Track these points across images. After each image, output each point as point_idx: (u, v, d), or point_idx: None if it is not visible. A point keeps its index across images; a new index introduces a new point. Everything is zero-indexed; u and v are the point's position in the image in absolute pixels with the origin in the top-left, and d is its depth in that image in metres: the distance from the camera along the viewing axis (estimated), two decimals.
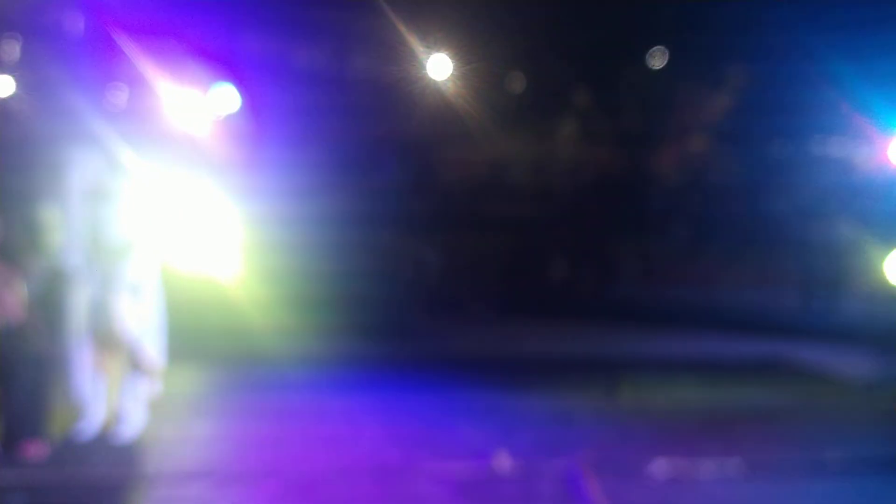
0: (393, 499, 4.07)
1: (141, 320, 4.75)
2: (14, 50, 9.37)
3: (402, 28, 17.63)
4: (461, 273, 12.65)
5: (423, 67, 19.62)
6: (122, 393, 4.88)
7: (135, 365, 4.80)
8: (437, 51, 18.38)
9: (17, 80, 9.29)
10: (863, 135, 13.21)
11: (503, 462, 4.68)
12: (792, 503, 4.20)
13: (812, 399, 6.65)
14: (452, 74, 18.41)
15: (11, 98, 9.26)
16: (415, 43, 17.96)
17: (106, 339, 4.77)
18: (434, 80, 19.61)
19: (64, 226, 4.72)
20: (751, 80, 16.49)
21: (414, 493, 4.16)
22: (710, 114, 18.75)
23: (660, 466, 4.66)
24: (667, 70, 17.01)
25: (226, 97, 7.77)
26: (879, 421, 6.00)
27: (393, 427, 5.32)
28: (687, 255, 14.34)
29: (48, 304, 4.66)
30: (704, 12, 14.74)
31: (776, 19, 13.34)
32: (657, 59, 16.62)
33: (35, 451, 4.44)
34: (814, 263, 12.23)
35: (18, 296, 4.54)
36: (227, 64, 17.76)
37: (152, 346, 4.82)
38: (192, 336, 8.12)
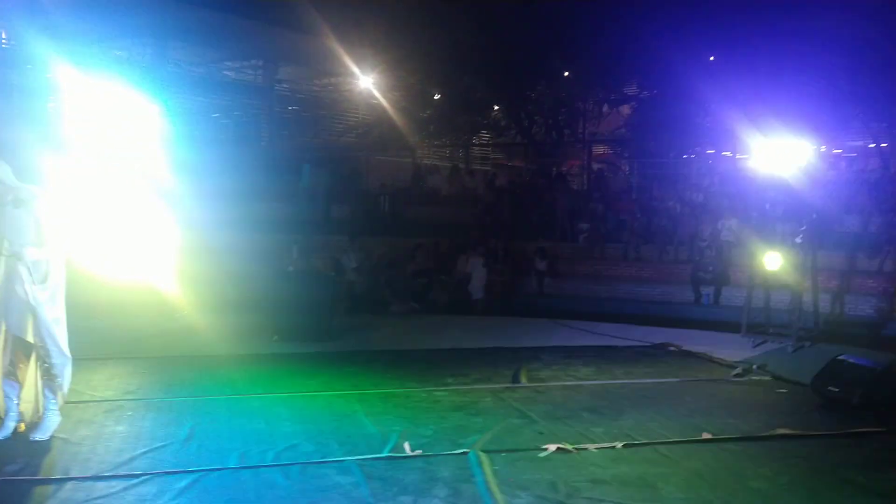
0: (302, 492, 4.05)
1: (52, 323, 4.57)
2: None
3: (331, 43, 17.58)
4: (380, 274, 12.66)
5: (351, 80, 19.58)
6: (36, 395, 4.71)
7: (46, 368, 4.63)
8: (364, 65, 18.39)
9: None
10: (740, 145, 13.88)
11: (406, 451, 4.71)
12: (670, 471, 4.35)
13: (690, 379, 6.93)
14: (377, 87, 18.46)
15: None
16: (343, 57, 17.92)
17: (18, 342, 4.59)
18: (360, 93, 19.62)
19: None
20: (646, 98, 17.12)
21: (322, 485, 4.14)
22: (606, 127, 19.39)
23: (549, 445, 4.77)
24: (571, 88, 17.50)
25: (145, 104, 7.56)
26: (747, 398, 6.31)
27: (306, 423, 5.28)
28: (589, 254, 14.72)
29: None
30: (600, 39, 15.26)
31: (656, 46, 13.92)
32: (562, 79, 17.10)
33: None
34: (703, 260, 12.75)
35: None
36: (148, 70, 17.27)
37: (62, 349, 4.65)
38: (109, 337, 8.02)
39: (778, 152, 8.54)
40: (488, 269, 13.37)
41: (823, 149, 16.11)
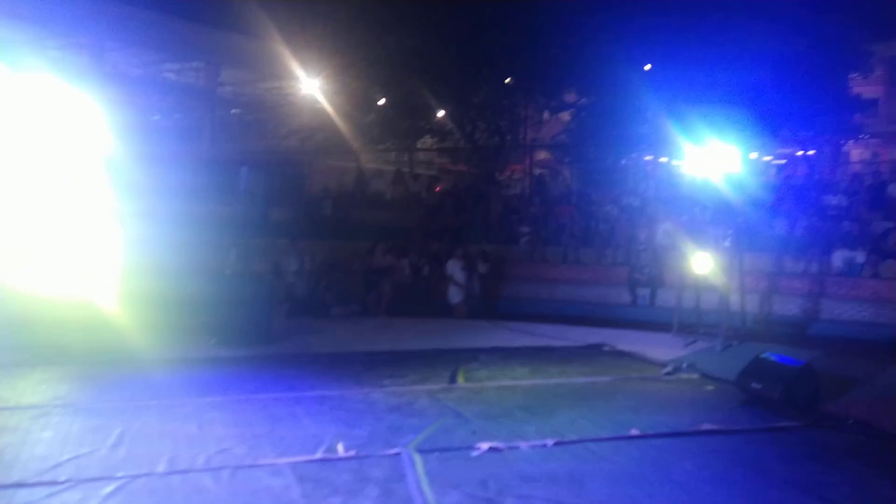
0: (232, 495, 3.98)
1: None
2: None
3: (275, 47, 17.39)
4: (320, 276, 12.56)
5: (295, 84, 19.39)
6: None
7: None
8: (308, 69, 18.24)
9: None
10: (675, 152, 14.23)
11: (338, 452, 4.68)
12: (598, 467, 4.43)
13: (622, 378, 7.06)
14: (321, 91, 18.32)
15: None
16: (287, 61, 17.76)
17: None
18: (304, 97, 19.44)
19: None
20: (585, 104, 17.42)
21: (253, 488, 4.08)
22: (546, 133, 19.66)
23: (481, 444, 4.80)
24: (512, 94, 17.68)
25: (80, 105, 7.39)
26: (676, 395, 6.46)
27: (239, 426, 5.19)
28: (529, 257, 14.87)
29: None
30: (540, 46, 15.48)
31: (596, 54, 14.22)
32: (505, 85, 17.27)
33: None
34: (639, 263, 13.02)
35: None
36: (84, 71, 16.80)
37: None
38: (37, 341, 7.74)
39: (708, 158, 8.79)
40: (468, 273, 13.33)
41: (754, 155, 16.65)
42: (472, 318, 11.71)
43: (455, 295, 12.95)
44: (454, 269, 13.19)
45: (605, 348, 8.63)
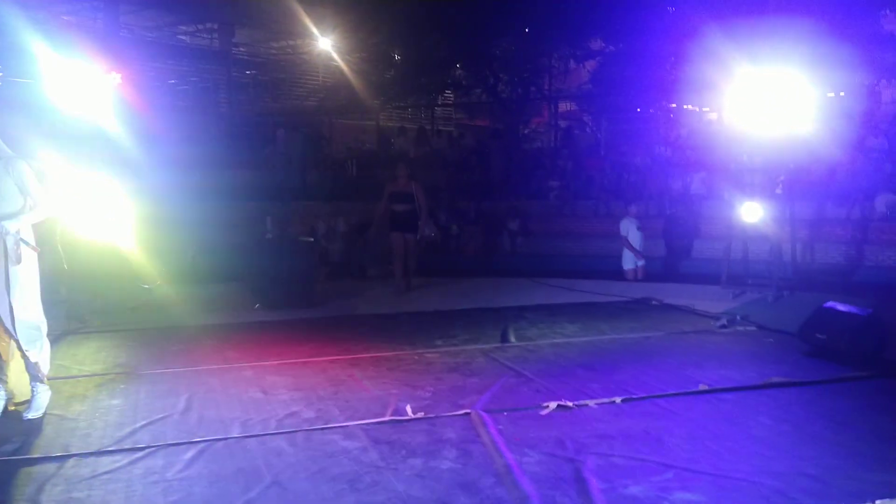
0: (311, 458, 4.00)
1: (19, 300, 4.37)
2: None
3: (288, 4, 17.11)
4: (354, 238, 12.54)
5: (310, 43, 19.12)
6: (20, 373, 4.54)
7: (16, 344, 4.45)
8: (322, 26, 17.96)
9: None
10: (705, 99, 13.95)
11: (408, 413, 4.68)
12: (672, 424, 4.40)
13: (676, 332, 7.02)
14: (336, 49, 18.05)
15: None
16: (300, 18, 17.48)
17: None
18: (319, 55, 19.20)
19: None
20: (610, 53, 17.06)
21: (330, 450, 4.10)
22: (571, 83, 19.34)
23: (549, 403, 4.78)
24: (535, 44, 17.35)
25: (98, 72, 7.30)
26: (735, 348, 6.41)
27: (303, 389, 5.21)
28: (559, 211, 14.78)
29: None
30: None
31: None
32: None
33: None
34: (679, 215, 12.86)
35: None
36: (100, 36, 16.66)
37: (32, 322, 4.46)
38: (87, 310, 7.80)
39: (740, 102, 8.52)
40: (461, 230, 13.29)
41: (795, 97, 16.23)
42: (507, 276, 11.66)
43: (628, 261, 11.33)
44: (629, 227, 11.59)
45: (653, 302, 8.57)
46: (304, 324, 7.65)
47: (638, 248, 10.64)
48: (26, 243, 4.39)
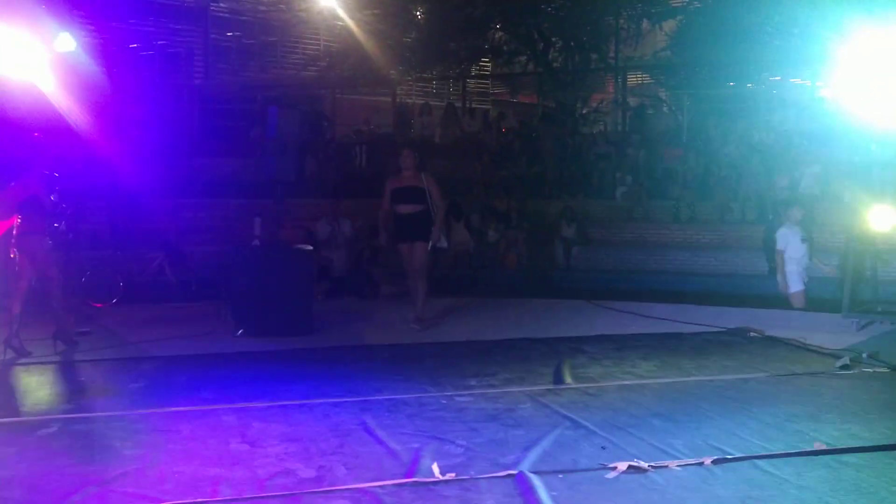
0: None
1: None
2: None
3: None
4: (362, 246, 12.60)
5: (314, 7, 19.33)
6: None
7: None
8: None
9: None
10: (821, 70, 13.82)
11: (434, 474, 4.66)
12: (780, 494, 4.33)
13: (783, 374, 6.91)
14: (343, 5, 18.22)
15: None
16: None
17: None
18: (321, 13, 19.36)
19: None
20: (697, 9, 16.98)
21: None
22: (645, 50, 19.28)
23: (617, 464, 4.73)
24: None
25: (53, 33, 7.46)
26: (862, 396, 6.30)
27: (300, 440, 5.22)
28: (629, 214, 14.71)
29: None
30: None
31: None
32: None
33: None
34: (776, 218, 12.75)
35: None
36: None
37: None
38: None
39: (871, 78, 8.41)
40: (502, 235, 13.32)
41: None
42: (561, 297, 11.63)
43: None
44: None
45: (752, 334, 8.50)
46: (300, 355, 7.67)
47: (802, 265, 10.30)
48: None
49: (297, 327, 8.52)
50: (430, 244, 8.97)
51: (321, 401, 6.08)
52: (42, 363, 7.27)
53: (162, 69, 21.46)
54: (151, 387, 6.49)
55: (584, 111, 18.64)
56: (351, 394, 6.29)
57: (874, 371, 6.96)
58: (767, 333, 8.47)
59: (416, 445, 5.11)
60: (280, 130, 9.41)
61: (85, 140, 9.27)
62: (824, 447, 5.05)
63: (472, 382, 6.68)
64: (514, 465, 4.77)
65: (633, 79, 20.51)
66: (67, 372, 7.00)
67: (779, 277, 10.25)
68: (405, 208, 8.97)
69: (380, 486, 4.47)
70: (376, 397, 6.20)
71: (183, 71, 21.80)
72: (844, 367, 7.02)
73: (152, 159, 12.27)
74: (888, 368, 6.99)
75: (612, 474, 4.67)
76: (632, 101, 18.81)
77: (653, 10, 17.45)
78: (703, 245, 13.49)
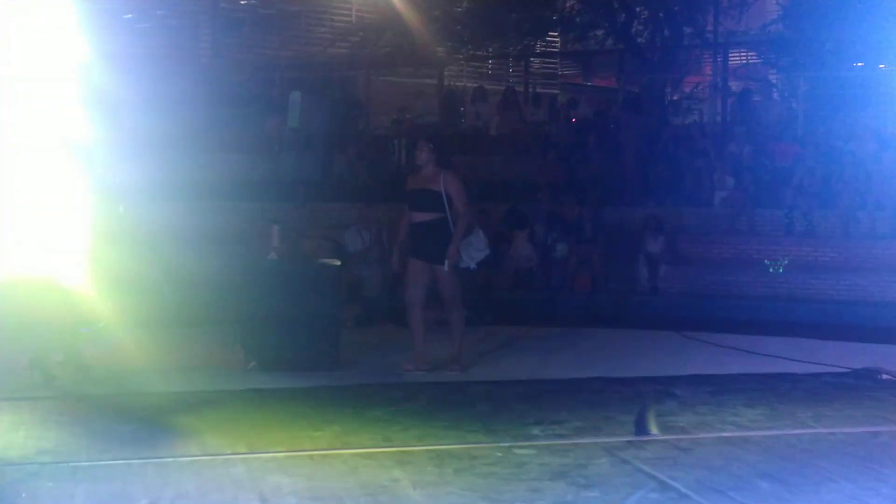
0: None
1: None
2: None
3: None
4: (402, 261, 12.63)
5: None
6: None
7: None
8: None
9: None
10: None
11: None
12: None
13: None
14: None
15: None
16: None
17: None
18: None
19: None
20: None
21: None
22: (754, 20, 19.14)
23: None
24: None
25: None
26: None
27: (324, 500, 5.25)
28: (731, 226, 14.58)
29: None
30: None
31: None
32: None
33: None
34: None
35: None
36: None
37: None
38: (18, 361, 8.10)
39: None
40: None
41: None
42: (645, 327, 11.57)
43: None
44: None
45: (883, 377, 8.42)
46: (324, 394, 7.73)
47: None
48: None
49: (321, 360, 8.56)
50: (447, 264, 8.55)
51: (349, 451, 6.10)
52: (9, 399, 7.38)
53: (161, 45, 21.77)
54: (144, 430, 6.54)
55: (674, 97, 18.57)
56: (385, 443, 6.32)
57: None
58: None
59: None
60: (304, 120, 9.41)
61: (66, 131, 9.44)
62: None
63: (535, 431, 6.68)
64: None
65: (737, 58, 20.36)
66: (44, 410, 7.09)
67: None
68: (417, 216, 8.70)
69: None
70: (416, 447, 6.22)
71: (186, 47, 22.08)
72: None
73: (147, 154, 12.41)
74: None
75: None
76: (734, 86, 18.70)
77: None
78: (823, 265, 13.31)
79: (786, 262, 9.99)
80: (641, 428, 6.81)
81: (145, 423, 6.72)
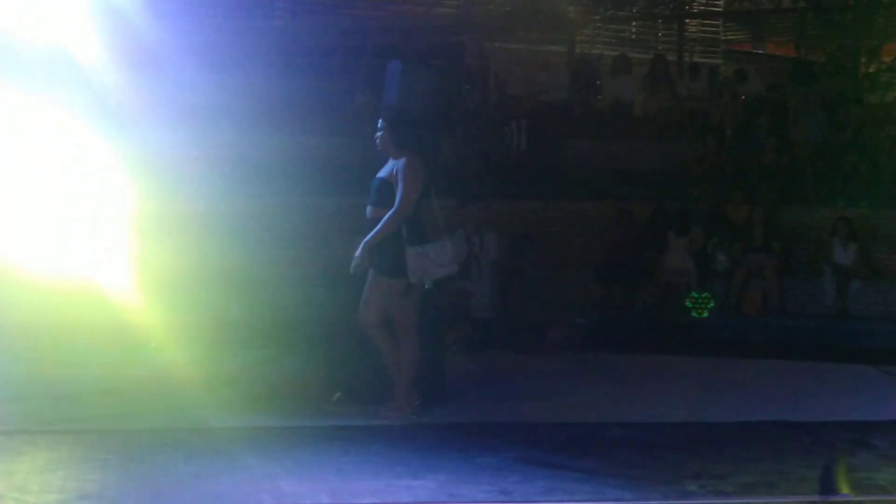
0: None
1: None
2: None
3: None
4: (520, 273, 12.66)
5: None
6: None
7: None
8: None
9: None
10: None
11: None
12: None
13: None
14: None
15: None
16: None
17: None
18: None
19: None
20: None
21: None
22: None
23: None
24: None
25: None
26: None
27: None
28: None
29: None
30: None
31: None
32: None
33: None
34: None
35: None
36: None
37: None
38: (32, 390, 8.35)
39: None
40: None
41: None
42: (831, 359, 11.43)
43: None
44: None
45: None
46: (425, 434, 7.83)
47: None
48: None
49: (422, 392, 8.56)
50: (352, 269, 8.28)
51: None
52: (47, 431, 7.62)
53: (227, 6, 22.13)
54: (206, 473, 6.67)
55: (870, 69, 18.22)
56: (503, 496, 6.35)
57: None
58: None
59: None
60: (402, 96, 9.42)
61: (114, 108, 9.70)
62: None
63: (691, 487, 6.66)
64: None
65: None
66: (86, 446, 7.27)
67: None
68: (368, 212, 8.55)
69: None
70: (541, 502, 6.25)
71: (258, 8, 22.41)
72: None
73: (208, 136, 12.62)
74: None
75: None
76: None
77: None
78: None
79: None
80: (828, 486, 6.71)
81: (207, 465, 6.84)
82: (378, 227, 8.19)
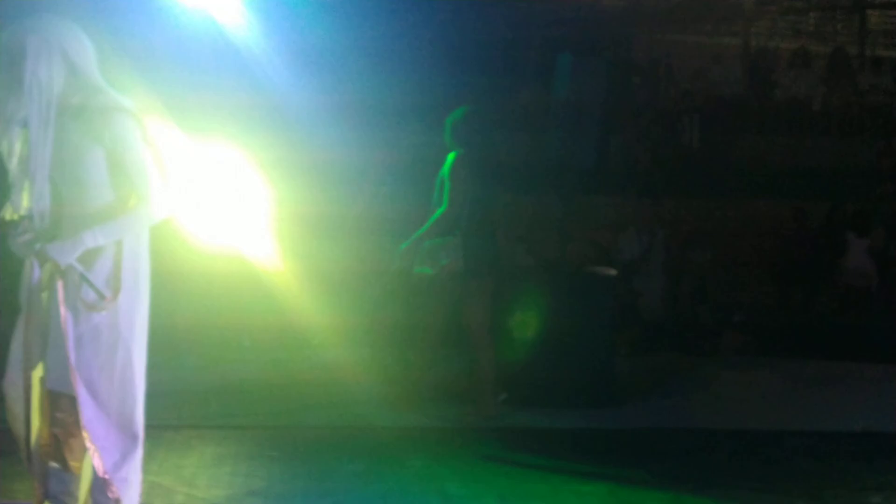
0: None
1: (99, 368, 4.70)
2: None
3: None
4: (694, 275, 12.55)
5: None
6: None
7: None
8: None
9: None
10: None
11: None
12: None
13: None
14: None
15: None
16: None
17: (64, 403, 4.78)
18: None
19: None
20: None
21: None
22: None
23: None
24: None
25: None
26: None
27: None
28: None
29: None
30: None
31: None
32: None
33: None
34: None
35: None
36: None
37: (128, 420, 4.80)
38: (198, 380, 8.58)
39: None
40: None
41: None
42: None
43: None
44: None
45: None
46: (594, 439, 7.81)
47: None
48: (89, 283, 4.63)
49: (591, 395, 8.60)
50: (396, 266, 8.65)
51: None
52: (215, 427, 7.81)
53: (385, 3, 22.24)
54: (373, 472, 6.76)
55: None
56: None
57: None
58: None
59: None
60: (573, 90, 9.40)
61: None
62: None
63: (875, 499, 6.51)
64: None
65: None
66: (253, 442, 7.40)
67: None
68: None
69: None
70: None
71: (418, 5, 22.45)
72: None
73: (364, 139, 12.73)
74: None
75: None
76: None
77: None
78: None
79: None
80: None
81: (372, 464, 6.93)
82: (432, 223, 8.32)
